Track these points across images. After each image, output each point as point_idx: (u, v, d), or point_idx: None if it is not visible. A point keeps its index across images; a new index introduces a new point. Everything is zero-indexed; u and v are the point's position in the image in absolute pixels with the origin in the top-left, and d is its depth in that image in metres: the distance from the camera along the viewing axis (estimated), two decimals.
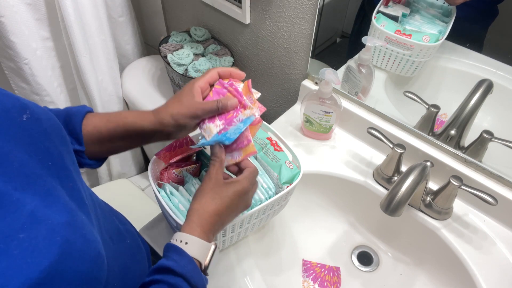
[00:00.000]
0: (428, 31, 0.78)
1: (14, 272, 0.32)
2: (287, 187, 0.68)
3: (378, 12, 0.81)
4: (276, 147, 0.73)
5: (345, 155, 0.88)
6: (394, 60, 0.83)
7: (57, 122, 0.48)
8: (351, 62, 0.86)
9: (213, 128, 0.57)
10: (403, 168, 0.77)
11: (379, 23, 0.80)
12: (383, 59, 0.84)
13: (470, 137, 0.78)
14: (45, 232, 0.35)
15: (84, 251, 0.38)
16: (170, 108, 0.57)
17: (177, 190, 0.66)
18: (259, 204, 0.65)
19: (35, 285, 0.33)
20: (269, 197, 0.67)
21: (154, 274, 0.48)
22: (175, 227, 0.64)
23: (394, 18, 0.80)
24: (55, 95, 1.21)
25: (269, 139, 0.74)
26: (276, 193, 0.68)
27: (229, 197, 0.54)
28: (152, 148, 1.47)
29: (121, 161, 1.50)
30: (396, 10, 0.80)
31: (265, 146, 0.73)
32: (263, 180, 0.69)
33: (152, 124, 0.57)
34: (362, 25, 0.87)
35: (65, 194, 0.41)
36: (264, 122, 0.77)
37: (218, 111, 0.56)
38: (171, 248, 0.49)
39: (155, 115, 0.57)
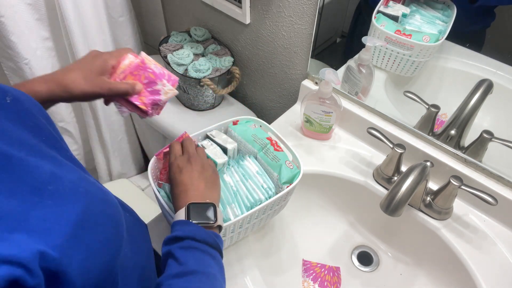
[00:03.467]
0: (428, 31, 0.78)
1: (55, 217, 0.35)
2: (287, 187, 0.68)
3: (378, 12, 0.81)
4: (276, 147, 0.73)
5: (345, 155, 0.88)
6: (394, 60, 0.83)
7: (37, 102, 0.49)
8: (351, 62, 0.86)
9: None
10: (403, 168, 0.77)
11: (379, 23, 0.80)
12: (383, 59, 0.84)
13: (470, 137, 0.78)
14: (69, 184, 0.39)
15: (105, 199, 0.43)
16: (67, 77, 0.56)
17: None
18: (259, 204, 0.65)
19: (76, 227, 0.36)
20: (269, 197, 0.67)
21: (164, 246, 0.53)
22: None
23: (394, 18, 0.80)
24: None
25: (269, 139, 0.74)
26: (276, 193, 0.68)
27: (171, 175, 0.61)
28: (152, 148, 1.47)
29: (121, 161, 1.50)
30: (396, 10, 0.80)
31: (265, 146, 0.73)
32: (263, 180, 0.69)
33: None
34: (359, 25, 0.87)
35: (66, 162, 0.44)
36: (264, 122, 0.77)
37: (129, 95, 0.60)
38: (172, 225, 0.55)
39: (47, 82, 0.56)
